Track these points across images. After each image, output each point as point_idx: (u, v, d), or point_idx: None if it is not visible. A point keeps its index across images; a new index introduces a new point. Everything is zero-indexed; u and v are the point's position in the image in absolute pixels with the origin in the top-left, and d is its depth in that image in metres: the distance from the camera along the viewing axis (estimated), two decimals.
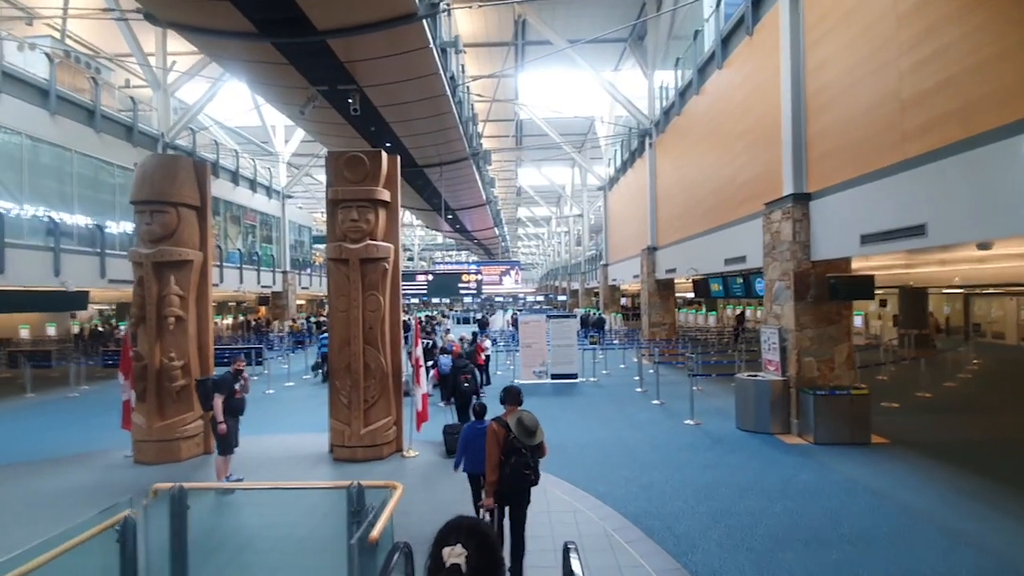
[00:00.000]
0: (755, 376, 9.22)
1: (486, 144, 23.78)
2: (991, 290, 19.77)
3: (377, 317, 7.60)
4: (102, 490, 6.52)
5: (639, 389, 12.88)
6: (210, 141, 20.89)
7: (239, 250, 21.96)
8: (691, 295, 33.28)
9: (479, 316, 16.28)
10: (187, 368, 7.62)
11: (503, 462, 4.04)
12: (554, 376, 13.80)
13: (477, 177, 20.48)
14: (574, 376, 13.85)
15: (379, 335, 7.61)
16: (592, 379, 14.33)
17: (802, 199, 8.56)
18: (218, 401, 6.37)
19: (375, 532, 3.24)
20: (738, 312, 26.70)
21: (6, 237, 12.01)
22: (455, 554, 1.10)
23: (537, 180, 38.80)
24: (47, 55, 13.83)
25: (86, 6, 16.68)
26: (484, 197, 24.61)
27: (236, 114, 25.05)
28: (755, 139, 10.57)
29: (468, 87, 16.92)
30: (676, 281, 17.71)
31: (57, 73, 13.89)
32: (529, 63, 21.15)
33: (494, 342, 17.23)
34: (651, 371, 14.74)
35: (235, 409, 6.64)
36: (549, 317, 14.50)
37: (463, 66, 16.06)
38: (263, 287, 23.35)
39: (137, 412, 7.60)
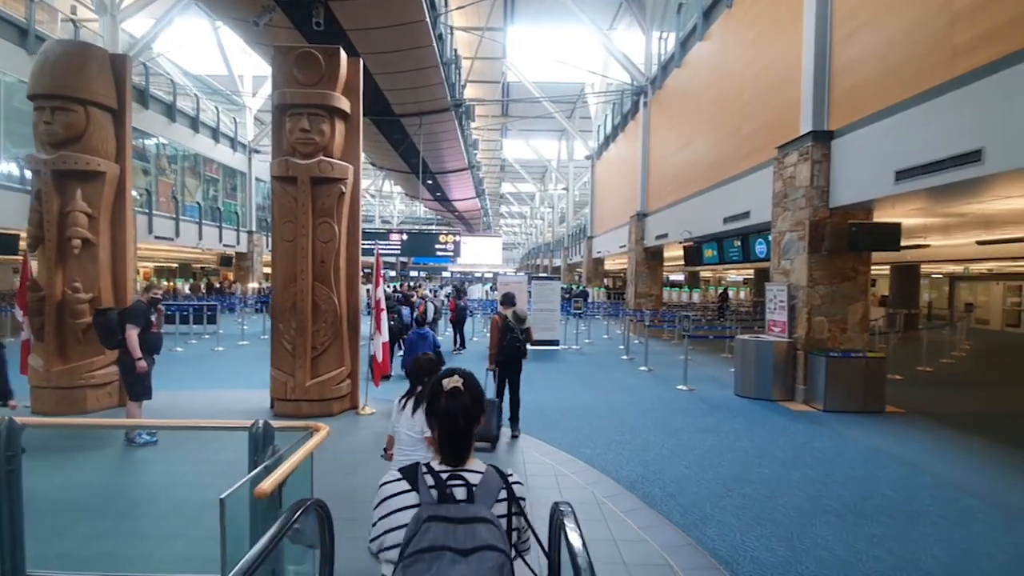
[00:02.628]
0: (757, 337, 8.32)
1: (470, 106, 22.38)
2: (986, 267, 19.40)
3: (331, 249, 6.40)
4: None
5: (625, 357, 11.97)
6: (166, 81, 19.01)
7: (198, 203, 20.28)
8: (677, 275, 32.64)
9: (456, 286, 15.21)
10: (96, 303, 6.30)
11: (501, 340, 5.77)
12: (535, 342, 12.77)
13: (459, 134, 19.10)
14: (556, 343, 12.87)
15: (332, 270, 6.42)
16: (575, 347, 13.38)
17: (823, 138, 7.57)
18: (132, 333, 5.13)
19: (266, 484, 2.14)
20: (721, 292, 26.12)
21: None
22: (454, 381, 1.32)
23: (523, 153, 37.42)
24: None
25: None
26: (466, 160, 23.22)
27: (201, 62, 23.11)
28: (768, 83, 9.54)
29: (451, 26, 15.52)
30: (665, 255, 16.81)
31: None
32: (521, 14, 19.77)
33: (470, 311, 16.18)
34: (637, 341, 13.87)
35: (151, 346, 5.42)
36: (531, 279, 13.43)
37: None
38: (225, 246, 21.72)
39: (35, 354, 6.31)
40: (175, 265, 27.89)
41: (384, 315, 6.55)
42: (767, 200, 8.78)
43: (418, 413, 2.71)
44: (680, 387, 8.60)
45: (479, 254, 34.80)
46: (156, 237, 17.47)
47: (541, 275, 14.82)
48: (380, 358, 6.39)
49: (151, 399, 5.44)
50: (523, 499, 1.31)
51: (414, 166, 21.31)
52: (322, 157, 6.32)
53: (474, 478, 1.25)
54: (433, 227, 39.49)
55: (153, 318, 5.47)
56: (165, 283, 23.14)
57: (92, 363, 6.32)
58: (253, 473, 2.28)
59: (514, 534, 1.27)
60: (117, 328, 5.20)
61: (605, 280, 29.25)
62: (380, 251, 15.82)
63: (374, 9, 10.35)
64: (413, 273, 36.73)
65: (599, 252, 23.55)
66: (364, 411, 6.61)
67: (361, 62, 6.94)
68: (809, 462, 5.30)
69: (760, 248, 10.61)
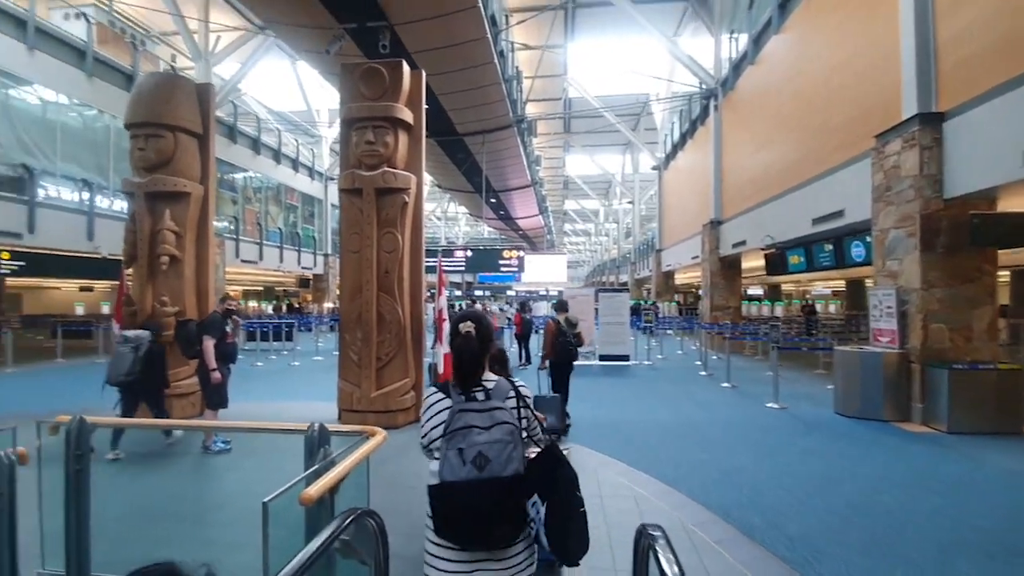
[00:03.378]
0: (861, 348, 7.36)
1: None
2: None
3: (394, 259, 6.38)
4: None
5: (703, 372, 11.12)
6: (252, 117, 20.63)
7: (279, 229, 21.62)
8: (754, 289, 30.62)
9: (522, 301, 14.98)
10: (181, 315, 6.63)
11: (555, 342, 6.36)
12: (603, 357, 12.24)
13: (521, 151, 19.14)
14: (626, 358, 12.23)
15: (396, 281, 6.38)
16: (646, 362, 12.66)
17: (932, 120, 6.67)
18: (209, 344, 5.29)
19: (312, 489, 1.93)
20: (805, 304, 24.07)
21: (37, 198, 11.75)
22: (467, 327, 1.68)
23: (586, 169, 37.06)
24: (84, 15, 13.62)
25: None
26: (529, 177, 23.23)
27: (283, 99, 24.93)
28: (858, 68, 8.67)
29: (512, 42, 15.66)
30: (743, 265, 15.70)
31: (97, 37, 13.69)
32: (582, 29, 19.69)
33: (536, 327, 15.87)
34: (715, 356, 12.93)
35: (227, 355, 5.56)
36: (598, 292, 12.94)
37: (507, 15, 14.80)
38: (304, 268, 22.96)
39: None
40: (260, 288, 29.90)
41: (447, 326, 6.39)
42: (864, 196, 7.87)
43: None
44: (770, 404, 7.76)
45: (543, 272, 34.57)
46: (242, 260, 18.75)
47: (608, 288, 14.27)
48: (442, 369, 6.21)
49: (227, 408, 5.57)
50: (528, 397, 1.72)
51: (477, 185, 21.58)
52: (386, 168, 6.35)
53: (489, 384, 1.68)
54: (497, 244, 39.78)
55: (229, 329, 5.62)
56: (252, 304, 24.80)
57: (177, 373, 6.61)
58: (301, 477, 2.08)
59: (523, 422, 1.66)
60: (196, 338, 5.38)
61: (675, 295, 27.96)
62: (445, 268, 15.99)
63: (437, 30, 10.56)
64: (478, 293, 37.09)
65: (669, 265, 22.56)
66: None
67: (423, 74, 6.98)
68: (939, 489, 4.46)
69: (856, 251, 9.54)
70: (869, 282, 16.13)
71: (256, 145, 20.28)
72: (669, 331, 18.91)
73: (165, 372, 5.59)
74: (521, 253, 16.21)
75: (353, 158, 6.54)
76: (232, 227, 18.51)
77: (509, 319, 12.20)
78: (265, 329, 14.77)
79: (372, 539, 1.95)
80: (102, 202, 13.58)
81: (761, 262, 14.16)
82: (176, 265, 6.74)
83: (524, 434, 1.65)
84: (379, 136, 6.35)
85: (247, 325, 15.15)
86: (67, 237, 12.57)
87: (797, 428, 6.57)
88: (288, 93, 23.61)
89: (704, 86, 16.64)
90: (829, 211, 9.33)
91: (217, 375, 5.31)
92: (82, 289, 24.41)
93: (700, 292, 24.54)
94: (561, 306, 6.87)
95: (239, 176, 20.03)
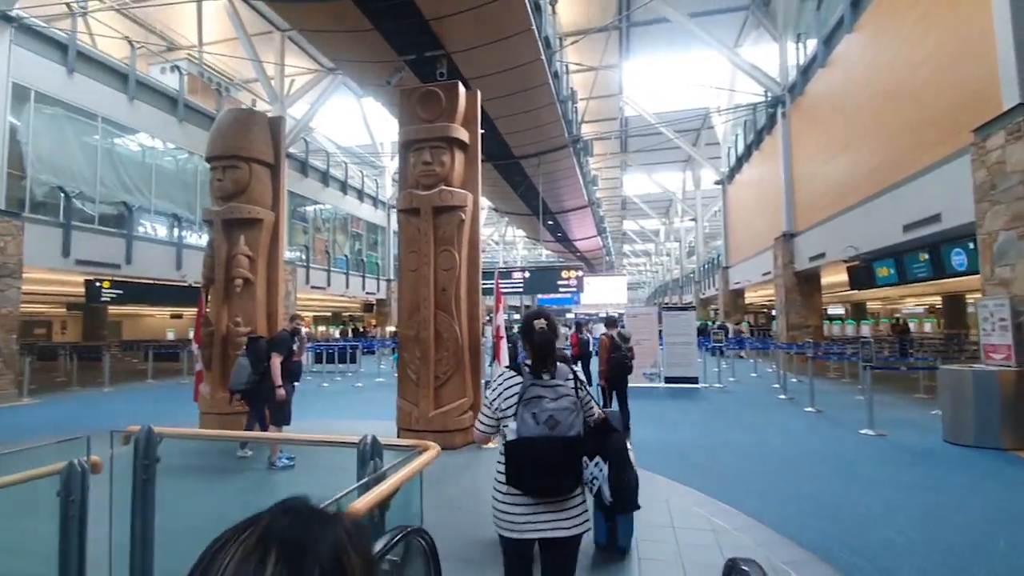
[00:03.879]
0: (971, 367, 6.47)
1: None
2: None
3: (452, 277, 6.35)
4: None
5: (783, 396, 10.25)
6: (322, 152, 21.95)
7: (346, 256, 22.59)
8: (834, 308, 28.43)
9: (578, 321, 14.56)
10: (252, 334, 6.91)
11: (610, 357, 6.65)
12: (669, 379, 11.61)
13: (578, 171, 19.03)
14: (694, 380, 11.53)
15: (453, 299, 6.34)
16: (717, 385, 11.87)
17: None
18: (276, 361, 5.44)
19: (360, 502, 1.80)
20: (895, 323, 21.94)
21: (134, 232, 12.92)
22: (540, 323, 2.05)
23: (644, 188, 36.38)
24: (177, 68, 15.08)
25: (219, 37, 18.41)
26: (586, 197, 23.03)
27: (349, 133, 26.41)
28: (946, 61, 7.93)
29: (567, 65, 15.74)
30: (823, 281, 14.57)
31: (188, 87, 15.11)
32: (637, 47, 19.56)
33: (594, 347, 15.44)
34: (796, 380, 11.93)
35: (292, 373, 5.69)
36: (662, 310, 12.38)
37: (560, 37, 14.93)
38: (368, 293, 23.80)
39: (205, 382, 7.05)
40: (329, 314, 31.31)
41: (504, 343, 6.25)
42: (964, 196, 7.05)
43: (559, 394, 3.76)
44: (865, 431, 6.95)
45: (603, 294, 33.97)
46: (312, 287, 19.69)
47: (673, 306, 13.65)
48: None
49: (290, 424, 5.66)
50: (582, 380, 2.10)
51: (534, 207, 21.61)
52: (443, 187, 6.39)
53: (561, 372, 2.02)
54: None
55: (295, 347, 5.76)
56: (321, 328, 25.97)
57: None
58: (350, 489, 1.95)
59: (580, 399, 2.02)
60: (265, 355, 5.54)
61: (746, 315, 26.41)
62: (503, 290, 15.94)
63: (492, 55, 10.77)
64: (616, 331, 37.04)
65: (737, 283, 21.40)
66: (489, 444, 6.25)
67: (478, 94, 7.05)
68: None
69: (957, 259, 8.56)
70: (973, 296, 14.53)
71: (325, 178, 21.48)
72: (741, 353, 17.79)
73: (297, 376, 6.01)
74: (580, 273, 15.88)
75: (411, 179, 6.65)
76: (303, 255, 19.54)
77: (566, 338, 11.90)
78: (331, 351, 15.30)
79: (423, 560, 1.78)
80: (189, 235, 14.75)
81: (843, 276, 13.08)
82: (249, 287, 7.08)
83: (582, 406, 2.04)
84: (436, 156, 6.43)
85: (315, 348, 15.76)
86: (158, 267, 13.70)
87: (901, 458, 5.80)
88: (354, 128, 24.96)
89: (770, 94, 15.91)
90: (923, 216, 8.45)
91: (282, 392, 5.43)
92: (173, 316, 26.60)
93: (773, 312, 23.12)
94: (611, 322, 7.32)
95: (310, 207, 21.24)
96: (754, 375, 13.99)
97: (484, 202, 31.77)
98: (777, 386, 11.35)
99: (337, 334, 25.23)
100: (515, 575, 1.99)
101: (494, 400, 2.03)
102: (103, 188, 12.49)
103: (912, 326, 23.70)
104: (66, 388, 12.26)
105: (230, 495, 4.67)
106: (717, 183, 23.84)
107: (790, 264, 14.45)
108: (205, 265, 7.16)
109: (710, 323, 22.57)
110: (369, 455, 2.50)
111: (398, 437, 6.39)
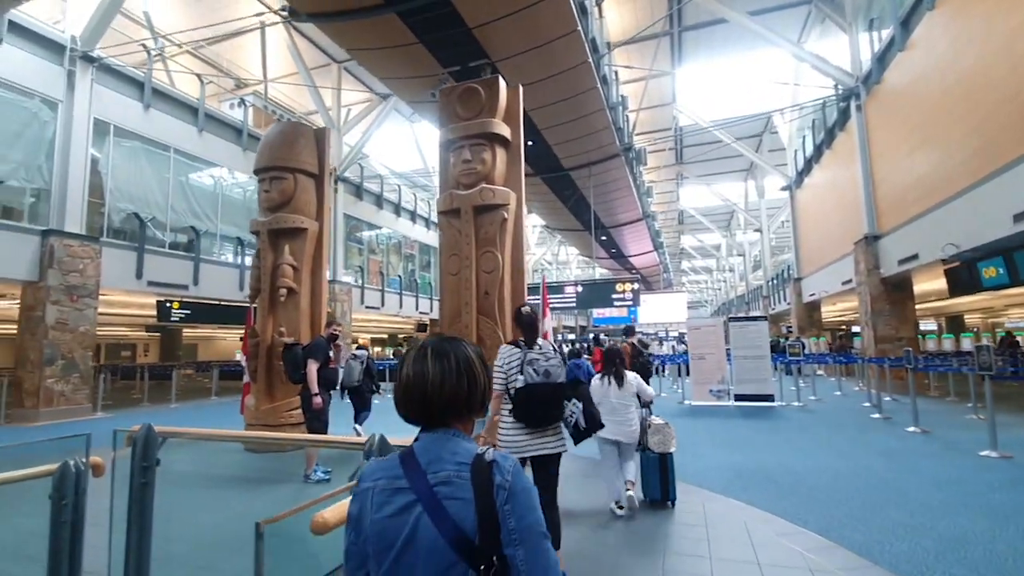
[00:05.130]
0: None
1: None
2: None
3: (494, 280, 5.95)
4: (192, 474, 5.77)
5: (876, 415, 8.99)
6: (376, 175, 22.56)
7: (399, 277, 22.89)
8: (925, 322, 25.61)
9: (596, 335, 13.67)
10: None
11: (634, 363, 7.06)
12: (739, 397, 10.55)
13: (631, 181, 18.34)
14: (770, 399, 10.41)
15: (497, 302, 5.92)
16: (796, 404, 10.66)
17: None
18: (312, 368, 5.20)
19: (328, 512, 1.37)
20: (1007, 336, 19.27)
21: (201, 255, 13.56)
22: (527, 308, 3.14)
23: (702, 201, 34.91)
24: (243, 101, 15.96)
25: (282, 72, 19.53)
26: (641, 209, 22.20)
27: (402, 158, 27.17)
28: None
29: (616, 71, 15.30)
30: (915, 288, 12.99)
31: (253, 120, 15.94)
32: (690, 52, 18.87)
33: (656, 366, 14.46)
34: (890, 398, 10.54)
35: (328, 381, 5.44)
36: (729, 321, 11.37)
37: (609, 44, 14.53)
38: (421, 312, 23.92)
39: (251, 394, 6.97)
40: (385, 335, 31.85)
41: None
42: None
43: (625, 385, 4.29)
44: (986, 453, 5.81)
45: (661, 311, 32.46)
46: (367, 307, 19.99)
47: (741, 316, 12.58)
48: None
49: (327, 435, 5.38)
50: (562, 354, 3.14)
51: (586, 222, 21.06)
52: (484, 185, 6.06)
53: (541, 342, 2.99)
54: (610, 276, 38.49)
55: (331, 354, 5.53)
56: (376, 349, 26.32)
57: (291, 402, 6.69)
58: (323, 497, 1.52)
59: (561, 362, 3.00)
60: (302, 362, 5.32)
61: (822, 331, 24.26)
62: (554, 305, 15.39)
63: (537, 60, 10.54)
64: (633, 340, 35.97)
65: (812, 295, 19.68)
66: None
67: (520, 89, 6.71)
68: None
69: None
70: None
71: (379, 201, 22.01)
72: (819, 370, 16.17)
73: (376, 380, 7.71)
74: (636, 286, 15.07)
75: (451, 179, 6.38)
76: (358, 277, 19.94)
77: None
78: (381, 367, 15.27)
79: None
80: (251, 258, 15.36)
81: (938, 283, 11.58)
82: (293, 297, 6.99)
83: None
84: (476, 153, 6.13)
85: (380, 364, 15.81)
86: (223, 288, 14.26)
87: None
88: (407, 152, 25.61)
89: (841, 88, 14.71)
90: None
91: (319, 400, 5.18)
92: (241, 338, 27.97)
93: (855, 328, 21.12)
94: (630, 331, 7.91)
95: (365, 231, 21.79)
96: (838, 393, 12.53)
97: (535, 220, 31.52)
98: (868, 405, 10.07)
99: (391, 353, 25.50)
100: None
101: (503, 366, 2.92)
102: (174, 214, 13.22)
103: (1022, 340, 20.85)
104: (138, 404, 12.84)
105: (259, 507, 4.38)
106: (784, 189, 22.35)
107: (875, 270, 13.00)
108: (252, 276, 7.17)
109: (782, 340, 20.85)
110: (377, 456, 2.07)
111: None
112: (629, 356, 7.11)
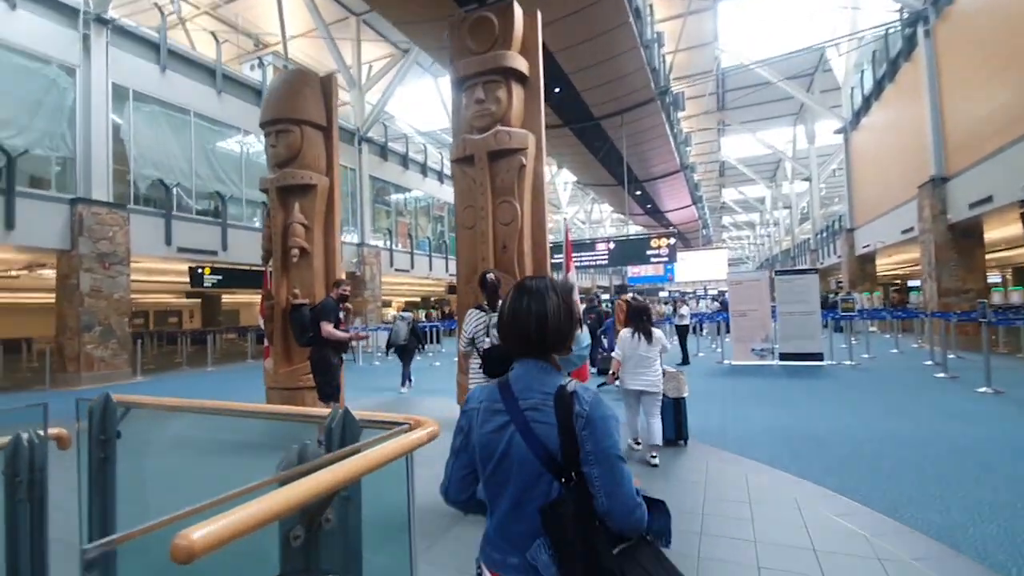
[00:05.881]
0: None
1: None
2: None
3: (513, 232, 5.43)
4: (206, 441, 5.68)
5: (941, 374, 8.18)
6: (401, 136, 22.02)
7: (428, 238, 22.62)
8: (990, 274, 23.62)
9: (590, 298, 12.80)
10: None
11: (627, 318, 5.64)
12: (784, 356, 9.86)
13: (667, 129, 17.11)
14: (819, 357, 9.67)
15: (516, 256, 5.42)
16: (848, 362, 9.88)
17: None
18: (329, 328, 4.94)
19: (196, 534, 0.91)
20: None
21: (229, 220, 13.54)
22: (492, 276, 3.81)
23: (746, 151, 32.79)
24: (261, 61, 15.55)
25: (301, 31, 18.92)
26: (678, 160, 20.88)
27: (429, 117, 26.43)
28: None
29: (651, 5, 13.97)
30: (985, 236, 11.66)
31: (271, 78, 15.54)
32: None
33: (694, 325, 13.76)
34: (954, 356, 9.61)
35: (339, 345, 5.17)
36: (776, 274, 10.54)
37: None
38: (451, 275, 23.73)
39: (269, 358, 6.82)
40: (418, 299, 32.03)
41: (578, 310, 5.23)
42: None
43: (654, 340, 4.39)
44: None
45: (700, 269, 31.20)
46: (396, 270, 19.88)
47: (788, 270, 11.70)
48: None
49: (339, 401, 5.15)
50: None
51: (619, 176, 20.00)
52: (499, 127, 5.47)
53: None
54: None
55: (342, 316, 5.23)
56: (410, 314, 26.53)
57: (308, 365, 6.52)
58: (256, 485, 1.12)
59: None
60: (310, 325, 5.04)
61: (875, 285, 22.73)
62: (585, 263, 14.78)
63: None
64: (627, 296, 35.00)
65: (866, 246, 18.26)
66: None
67: (539, 16, 5.96)
68: None
69: None
70: None
71: (405, 161, 21.54)
72: (873, 327, 15.10)
73: (421, 339, 8.86)
74: (672, 241, 14.19)
75: (464, 124, 5.80)
76: (386, 240, 19.77)
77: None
78: (424, 328, 15.20)
79: None
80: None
81: (1010, 229, 10.34)
82: (306, 257, 6.68)
83: None
84: (490, 92, 5.51)
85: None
86: (251, 253, 14.28)
87: None
88: (433, 111, 24.84)
89: (906, 12, 13.02)
90: None
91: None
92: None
93: (914, 281, 19.73)
94: (622, 289, 8.06)
95: (392, 192, 21.46)
96: (895, 351, 11.60)
97: (566, 176, 30.42)
98: (930, 363, 9.22)
99: (423, 316, 25.61)
100: None
101: (469, 330, 3.28)
102: (198, 179, 13.16)
103: None
104: (178, 368, 13.21)
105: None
106: (838, 132, 20.54)
107: (941, 216, 11.74)
108: (264, 237, 6.89)
109: (831, 295, 19.62)
110: (338, 435, 1.69)
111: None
112: (624, 312, 6.81)
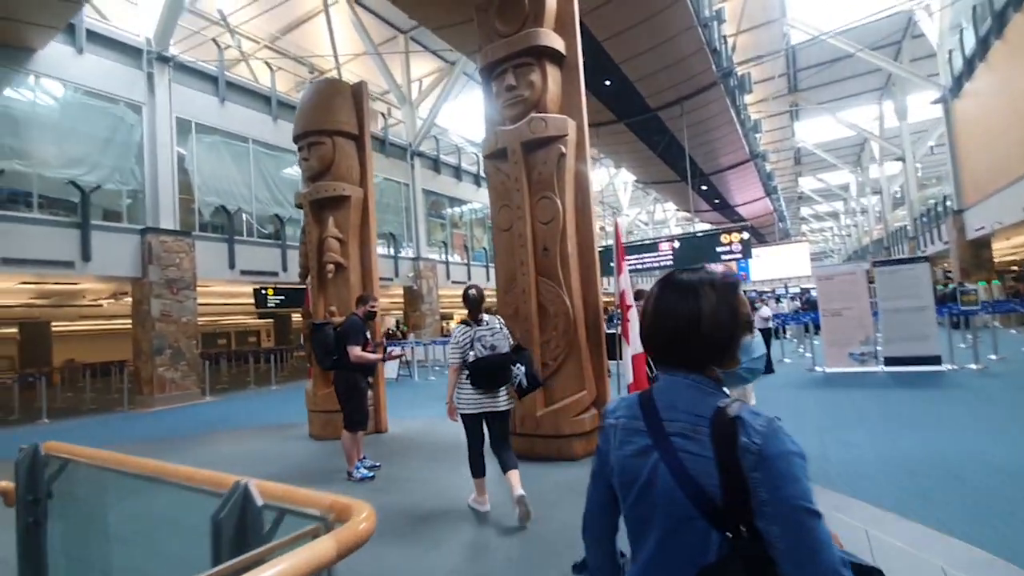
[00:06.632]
0: None
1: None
2: None
3: (554, 232, 4.79)
4: (247, 458, 5.44)
5: None
6: (453, 149, 21.99)
7: (484, 249, 22.34)
8: None
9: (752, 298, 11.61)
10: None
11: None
12: (890, 360, 8.41)
13: (732, 115, 15.73)
14: (934, 360, 8.15)
15: (558, 260, 4.77)
16: (971, 366, 8.25)
17: None
18: (357, 351, 4.47)
19: None
20: None
21: (287, 241, 13.85)
22: (472, 291, 3.64)
23: (825, 133, 29.99)
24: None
25: (352, 53, 19.41)
26: (747, 149, 19.24)
27: (479, 128, 26.37)
28: None
29: None
30: None
31: None
32: None
33: (775, 329, 12.34)
34: None
35: (366, 368, 4.72)
36: (876, 265, 9.09)
37: None
38: None
39: (311, 379, 6.57)
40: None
41: (633, 315, 4.46)
42: None
43: None
44: None
45: (778, 266, 28.64)
46: (452, 282, 19.71)
47: (889, 260, 10.13)
48: (631, 378, 4.28)
49: (366, 429, 4.70)
50: (509, 328, 3.77)
51: (682, 171, 18.71)
52: (533, 114, 4.86)
53: (487, 318, 3.57)
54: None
55: (369, 335, 4.78)
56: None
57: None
58: None
59: (507, 333, 3.60)
60: (335, 347, 4.62)
61: (993, 273, 19.63)
62: (646, 266, 13.74)
63: None
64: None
65: (979, 228, 15.78)
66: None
67: None
68: None
69: None
70: None
71: (458, 173, 21.46)
72: (995, 322, 12.88)
73: None
74: (745, 235, 12.81)
75: (497, 116, 5.25)
76: (441, 250, 19.69)
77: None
78: None
79: None
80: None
81: None
82: (342, 273, 6.40)
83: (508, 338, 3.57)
84: (521, 77, 4.92)
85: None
86: None
87: None
88: (483, 121, 24.73)
89: None
90: None
91: (397, 350, 4.75)
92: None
93: None
94: (639, 295, 7.09)
95: (446, 206, 21.42)
96: None
97: (626, 176, 29.20)
98: None
99: None
100: (476, 435, 3.51)
101: (456, 344, 3.45)
102: (258, 203, 13.58)
103: None
104: (246, 387, 13.59)
105: None
106: (936, 103, 18.08)
107: None
108: (300, 254, 6.69)
109: (943, 286, 17.12)
110: (233, 526, 1.12)
111: None
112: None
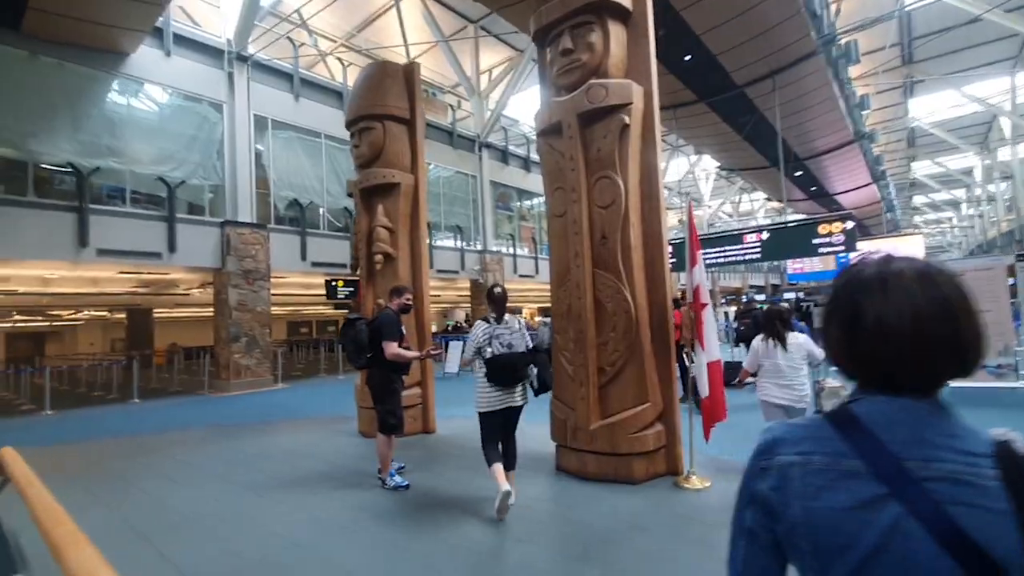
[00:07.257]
0: None
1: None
2: None
3: (614, 217, 4.12)
4: (291, 452, 5.28)
5: None
6: (523, 140, 21.49)
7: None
8: None
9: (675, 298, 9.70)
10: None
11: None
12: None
13: (835, 90, 13.88)
14: None
15: (619, 250, 4.10)
16: None
17: None
18: (394, 347, 4.13)
19: None
20: None
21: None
22: (497, 290, 3.76)
23: (944, 111, 26.17)
24: None
25: (424, 47, 19.49)
26: (851, 129, 17.01)
27: None
28: None
29: None
30: None
31: None
32: None
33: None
34: None
35: (401, 364, 4.33)
36: (1019, 258, 7.46)
37: None
38: None
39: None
40: (548, 304, 31.37)
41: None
42: None
43: (791, 345, 3.60)
44: None
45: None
46: (520, 276, 19.29)
47: None
48: (706, 390, 3.54)
49: (403, 434, 4.32)
50: (528, 324, 4.80)
51: (772, 155, 16.94)
52: (592, 81, 4.20)
53: (507, 317, 3.65)
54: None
55: (404, 330, 4.40)
56: (538, 319, 25.86)
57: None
58: None
59: (526, 333, 3.69)
60: (369, 344, 4.26)
61: None
62: (729, 259, 12.44)
63: None
64: (789, 295, 29.93)
65: None
66: (688, 481, 3.82)
67: None
68: None
69: None
70: None
71: (527, 164, 20.95)
72: None
73: None
74: (848, 224, 11.11)
75: (551, 86, 4.65)
76: (509, 243, 19.32)
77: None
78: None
79: None
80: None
81: None
82: (391, 263, 6.11)
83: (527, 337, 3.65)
84: (579, 39, 4.28)
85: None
86: None
87: None
88: None
89: None
90: None
91: (437, 350, 4.50)
92: None
93: None
94: (675, 303, 6.53)
95: (514, 196, 21.01)
96: None
97: (708, 163, 27.20)
98: None
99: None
100: (494, 431, 3.54)
101: (474, 340, 3.55)
102: (329, 197, 13.87)
103: None
104: (315, 375, 14.00)
105: (306, 521, 3.42)
106: None
107: None
108: (352, 245, 6.49)
109: None
110: None
111: (556, 456, 4.47)
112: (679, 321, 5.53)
